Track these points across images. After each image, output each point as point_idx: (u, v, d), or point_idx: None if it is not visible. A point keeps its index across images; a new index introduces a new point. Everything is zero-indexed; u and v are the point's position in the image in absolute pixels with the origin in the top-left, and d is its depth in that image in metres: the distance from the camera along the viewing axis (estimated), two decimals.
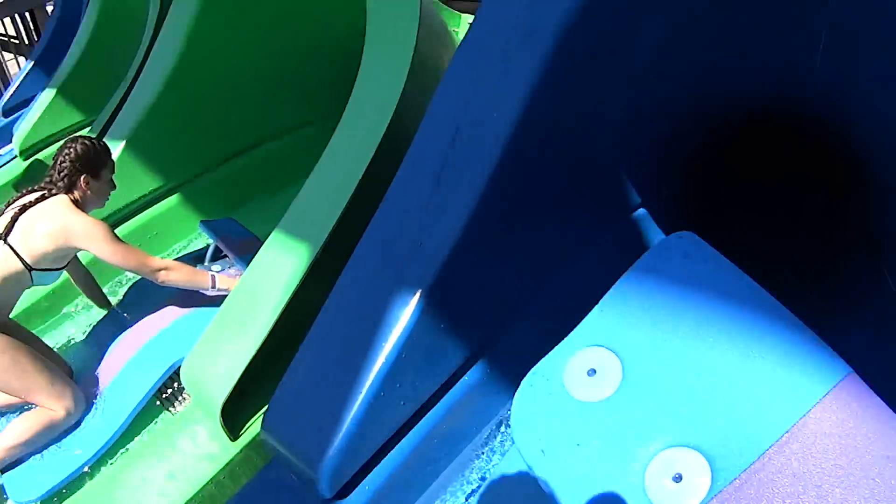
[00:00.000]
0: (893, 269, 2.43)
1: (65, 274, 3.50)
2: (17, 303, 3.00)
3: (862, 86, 2.16)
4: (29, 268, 2.85)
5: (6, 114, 6.31)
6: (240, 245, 3.47)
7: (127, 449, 2.89)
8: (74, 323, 3.82)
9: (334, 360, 2.24)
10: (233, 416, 2.63)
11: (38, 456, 2.86)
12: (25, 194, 3.01)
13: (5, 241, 2.83)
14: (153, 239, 4.11)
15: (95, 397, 3.02)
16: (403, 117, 2.67)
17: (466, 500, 2.23)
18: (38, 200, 2.95)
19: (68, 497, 2.68)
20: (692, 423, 1.67)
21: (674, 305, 1.82)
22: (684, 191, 2.68)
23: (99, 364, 3.19)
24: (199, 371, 2.68)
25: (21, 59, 8.44)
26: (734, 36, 2.30)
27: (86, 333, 3.63)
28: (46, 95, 5.51)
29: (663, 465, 1.66)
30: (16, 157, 5.38)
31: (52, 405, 2.83)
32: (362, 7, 3.01)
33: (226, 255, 3.60)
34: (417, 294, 2.12)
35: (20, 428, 2.80)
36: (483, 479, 2.24)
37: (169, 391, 3.08)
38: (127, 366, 3.10)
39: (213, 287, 3.11)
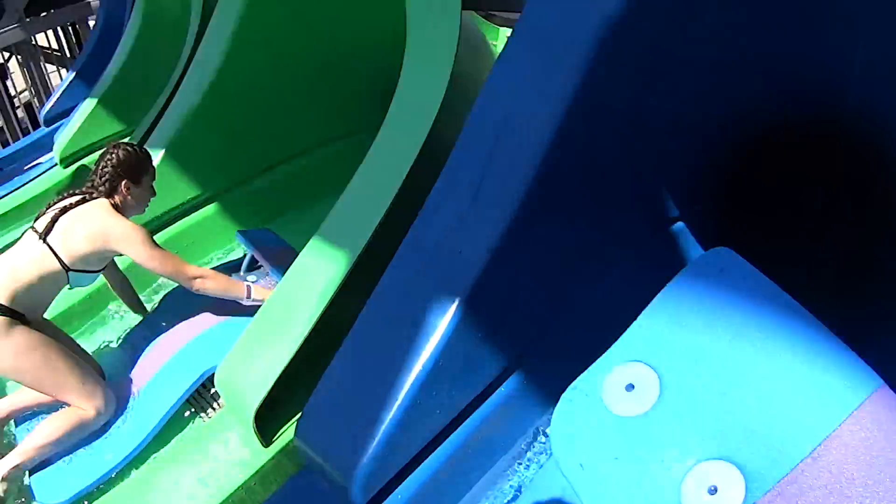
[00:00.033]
0: None
1: (100, 280, 3.54)
2: (53, 305, 3.03)
3: None
4: (66, 268, 2.88)
5: (47, 123, 6.43)
6: (276, 255, 3.48)
7: (158, 454, 2.89)
8: (109, 328, 3.85)
9: (371, 367, 2.24)
10: (266, 422, 2.64)
11: (67, 458, 2.87)
12: (67, 197, 3.05)
13: (44, 240, 2.87)
14: (190, 247, 4.14)
15: (127, 402, 3.03)
16: (443, 128, 2.68)
17: None
18: (78, 203, 2.98)
19: (97, 499, 2.70)
20: (727, 436, 1.70)
21: (710, 320, 1.84)
22: (721, 205, 2.66)
23: (132, 369, 3.20)
24: (234, 377, 2.70)
25: (63, 70, 8.61)
26: (771, 47, 2.30)
27: (120, 339, 3.65)
28: (87, 105, 5.61)
29: (699, 477, 1.70)
30: (56, 164, 5.48)
31: (82, 404, 2.84)
32: (402, 21, 3.04)
33: (261, 266, 3.62)
34: (455, 302, 2.12)
35: (50, 427, 2.81)
36: (519, 490, 2.23)
37: (201, 398, 3.08)
38: (160, 371, 3.11)
39: (249, 297, 3.11)
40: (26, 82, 8.39)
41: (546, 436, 2.30)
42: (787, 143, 2.57)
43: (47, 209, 3.01)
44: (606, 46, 2.12)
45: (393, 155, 2.77)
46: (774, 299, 1.79)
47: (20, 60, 8.30)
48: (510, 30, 3.19)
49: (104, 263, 3.08)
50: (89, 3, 8.05)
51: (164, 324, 3.43)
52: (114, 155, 3.04)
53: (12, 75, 9.24)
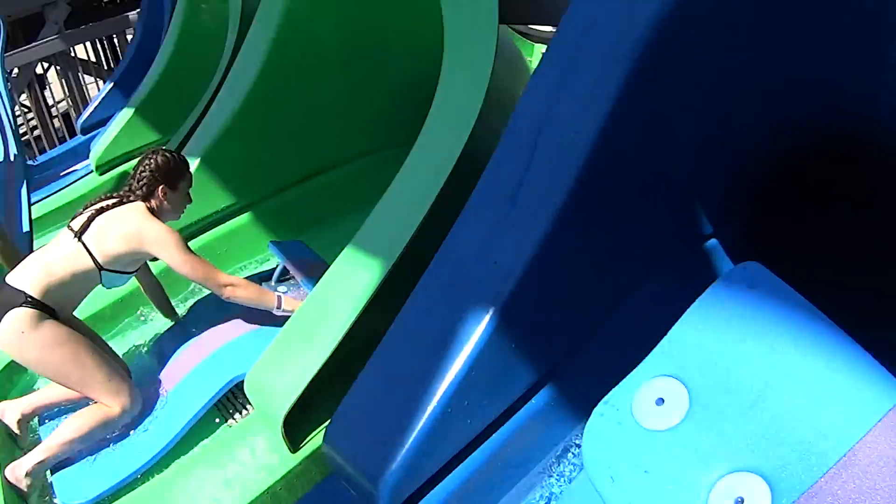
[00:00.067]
0: None
1: (132, 284, 3.58)
2: (84, 307, 3.05)
3: None
4: (99, 267, 2.91)
5: (84, 132, 6.55)
6: (308, 267, 3.49)
7: (184, 456, 2.89)
8: (138, 332, 3.88)
9: (402, 374, 2.25)
10: (294, 427, 2.64)
11: (91, 458, 2.88)
12: (104, 199, 3.09)
13: (79, 238, 2.90)
14: (222, 256, 4.17)
15: (154, 404, 3.04)
16: (479, 140, 2.70)
17: None
18: (115, 205, 3.03)
19: (119, 498, 2.70)
20: (754, 448, 1.72)
21: (739, 334, 1.86)
22: (753, 222, 2.65)
23: (160, 373, 3.22)
24: (265, 380, 2.71)
25: (100, 81, 8.77)
26: (810, 60, 2.30)
27: (149, 342, 3.68)
28: (124, 115, 5.72)
29: (726, 489, 1.71)
30: (92, 171, 5.57)
31: (108, 401, 2.86)
32: (437, 35, 3.07)
33: (292, 277, 3.63)
34: (490, 312, 2.13)
35: (75, 424, 2.83)
36: (548, 502, 2.21)
37: (229, 404, 3.10)
38: (188, 376, 3.11)
39: (279, 307, 3.11)
40: (64, 92, 8.55)
41: (577, 450, 2.29)
42: (818, 158, 2.56)
43: (84, 210, 3.05)
44: (643, 58, 2.13)
45: (430, 165, 2.79)
46: (803, 313, 1.81)
47: (59, 71, 8.47)
48: (545, 46, 3.21)
49: (137, 265, 3.11)
50: (127, 16, 8.21)
51: (194, 330, 3.43)
52: (152, 160, 3.09)
53: (50, 85, 9.43)
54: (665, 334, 1.97)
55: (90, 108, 6.69)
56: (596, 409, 1.99)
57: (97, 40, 8.78)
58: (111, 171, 5.54)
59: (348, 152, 4.74)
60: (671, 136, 2.34)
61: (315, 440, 2.67)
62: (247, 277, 3.70)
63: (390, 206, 2.86)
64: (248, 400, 3.02)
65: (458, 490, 2.19)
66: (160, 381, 3.15)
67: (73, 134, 7.56)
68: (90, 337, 3.06)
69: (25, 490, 2.75)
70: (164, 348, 3.43)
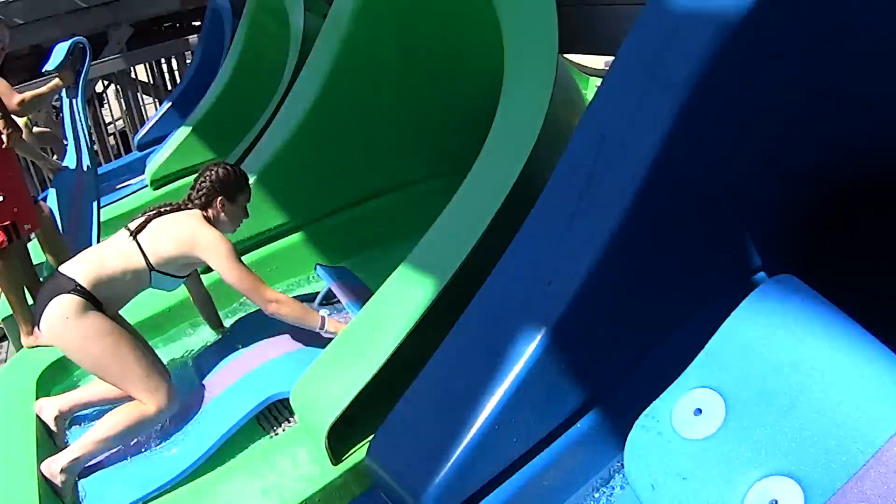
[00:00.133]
0: None
1: (181, 294, 3.64)
2: (131, 313, 3.09)
3: None
4: (150, 267, 2.96)
5: (140, 148, 6.72)
6: (353, 292, 3.52)
7: (224, 464, 2.88)
8: (183, 343, 3.92)
9: (451, 391, 2.26)
10: (338, 440, 2.65)
11: (122, 465, 2.88)
12: (163, 206, 3.17)
13: (135, 238, 2.98)
14: (268, 274, 4.20)
15: (192, 415, 3.05)
16: (535, 167, 2.73)
17: None
18: (173, 210, 3.12)
19: (155, 498, 2.73)
20: (787, 452, 1.81)
21: (773, 344, 1.95)
22: (804, 256, 2.64)
23: (200, 384, 3.24)
24: (311, 392, 2.73)
25: (157, 102, 9.01)
26: (870, 90, 2.32)
27: (192, 353, 3.72)
28: (181, 133, 5.87)
29: (761, 493, 1.81)
30: (146, 186, 5.71)
31: (145, 398, 2.86)
32: (497, 64, 3.12)
33: (336, 301, 3.65)
34: (542, 332, 2.14)
35: (111, 421, 2.84)
36: None
37: (272, 418, 3.11)
38: (226, 390, 3.13)
39: (322, 328, 3.11)
40: (122, 111, 8.78)
41: (620, 476, 2.29)
42: (870, 192, 2.56)
43: (142, 215, 3.12)
44: (698, 92, 2.16)
45: (487, 189, 2.83)
46: (837, 322, 1.89)
47: (118, 90, 8.71)
48: (600, 80, 3.26)
49: (188, 270, 3.17)
50: (187, 39, 8.44)
51: (238, 345, 3.46)
52: (213, 171, 3.17)
53: (109, 104, 9.70)
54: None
55: (147, 126, 6.87)
56: (637, 422, 2.08)
57: (156, 62, 9.02)
58: (166, 187, 5.68)
59: (399, 179, 4.80)
60: (726, 167, 2.36)
61: (356, 455, 2.68)
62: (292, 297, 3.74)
63: (446, 226, 2.90)
64: (291, 415, 3.06)
65: None
66: (199, 393, 3.17)
67: (128, 151, 7.75)
68: (133, 335, 3.09)
69: (60, 486, 2.76)
70: (206, 361, 3.46)
